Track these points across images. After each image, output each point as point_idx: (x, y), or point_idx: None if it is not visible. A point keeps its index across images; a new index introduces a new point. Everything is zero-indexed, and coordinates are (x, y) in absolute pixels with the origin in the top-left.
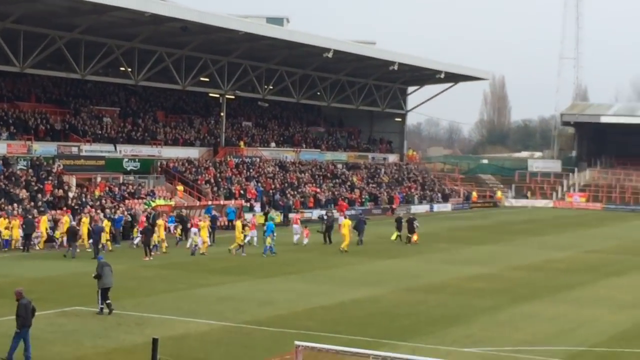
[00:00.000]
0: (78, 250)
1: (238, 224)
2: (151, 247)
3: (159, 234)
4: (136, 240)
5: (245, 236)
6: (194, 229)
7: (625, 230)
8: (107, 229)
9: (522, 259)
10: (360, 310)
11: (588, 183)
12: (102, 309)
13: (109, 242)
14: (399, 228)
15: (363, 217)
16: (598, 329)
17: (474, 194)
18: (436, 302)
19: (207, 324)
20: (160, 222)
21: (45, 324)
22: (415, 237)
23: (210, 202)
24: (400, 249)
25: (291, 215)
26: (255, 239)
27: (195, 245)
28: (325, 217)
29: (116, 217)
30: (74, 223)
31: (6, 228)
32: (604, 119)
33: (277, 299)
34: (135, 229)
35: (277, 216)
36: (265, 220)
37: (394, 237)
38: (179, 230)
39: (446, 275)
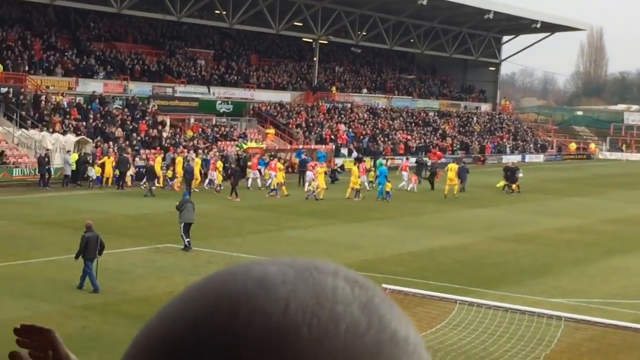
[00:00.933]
0: (154, 187)
1: (354, 169)
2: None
3: (278, 178)
4: (208, 183)
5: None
6: (309, 174)
7: None
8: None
9: (614, 212)
10: (448, 258)
11: None
12: (187, 244)
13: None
14: (507, 178)
15: (465, 166)
16: None
17: (573, 145)
18: (525, 252)
19: None
20: (279, 165)
21: (139, 259)
22: (514, 186)
23: (301, 146)
24: (491, 197)
25: (398, 162)
26: (366, 183)
27: (312, 191)
28: (429, 164)
29: (208, 157)
30: (151, 162)
31: (100, 165)
32: None
33: (366, 244)
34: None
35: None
36: (374, 166)
37: (500, 184)
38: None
39: (537, 226)
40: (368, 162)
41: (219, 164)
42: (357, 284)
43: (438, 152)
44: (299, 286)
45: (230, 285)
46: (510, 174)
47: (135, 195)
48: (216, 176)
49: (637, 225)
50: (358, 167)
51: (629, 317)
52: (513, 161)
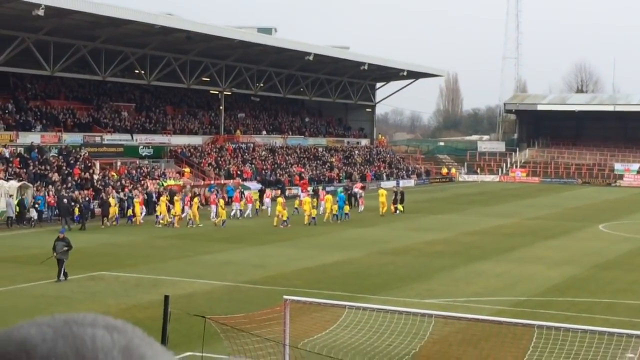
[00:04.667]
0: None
1: (280, 199)
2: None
3: (176, 210)
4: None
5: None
6: (213, 207)
7: (559, 199)
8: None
9: (474, 225)
10: (338, 271)
11: (528, 160)
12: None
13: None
14: (399, 201)
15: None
16: (536, 283)
17: (445, 169)
18: (402, 262)
19: (210, 284)
20: (176, 198)
21: (77, 285)
22: (400, 207)
23: (212, 181)
24: (372, 218)
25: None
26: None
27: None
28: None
29: (133, 195)
30: (65, 201)
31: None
32: (540, 107)
33: (269, 263)
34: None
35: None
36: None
37: (392, 208)
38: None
39: (410, 240)
40: (255, 194)
41: (140, 200)
42: (116, 329)
43: (359, 183)
44: (59, 342)
45: None
46: (401, 196)
47: (72, 230)
48: (144, 209)
49: (492, 235)
50: (317, 196)
51: (488, 311)
52: (400, 186)
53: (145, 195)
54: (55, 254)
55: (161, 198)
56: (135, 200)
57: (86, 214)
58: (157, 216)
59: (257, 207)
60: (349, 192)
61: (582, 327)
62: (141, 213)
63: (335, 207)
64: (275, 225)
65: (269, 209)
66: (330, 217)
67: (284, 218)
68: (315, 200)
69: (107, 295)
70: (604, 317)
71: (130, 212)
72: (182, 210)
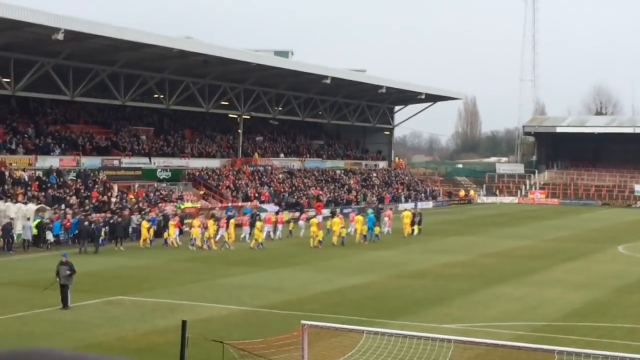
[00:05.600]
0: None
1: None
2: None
3: (210, 232)
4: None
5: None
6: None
7: (578, 221)
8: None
9: (492, 247)
10: (356, 294)
11: (547, 182)
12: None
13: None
14: (418, 222)
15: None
16: (556, 307)
17: (462, 191)
18: (420, 286)
19: (227, 308)
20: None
21: (94, 310)
22: (417, 228)
23: (230, 204)
24: (390, 241)
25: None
26: (271, 233)
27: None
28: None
29: (150, 217)
30: (86, 223)
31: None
32: (559, 129)
33: (287, 286)
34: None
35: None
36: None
37: (408, 231)
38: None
39: (428, 263)
40: (273, 215)
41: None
42: None
43: (320, 203)
44: None
45: None
46: (419, 218)
47: (88, 254)
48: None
49: (511, 257)
50: (345, 218)
51: (508, 336)
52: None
53: (162, 218)
54: (58, 279)
55: (194, 221)
56: (170, 222)
57: (120, 234)
58: (191, 239)
59: (291, 227)
60: (379, 212)
61: (603, 353)
62: (175, 235)
63: (365, 227)
64: (312, 245)
65: (303, 230)
66: (360, 238)
67: (320, 238)
68: (345, 221)
69: (124, 320)
70: (625, 342)
71: (166, 234)
72: (217, 232)
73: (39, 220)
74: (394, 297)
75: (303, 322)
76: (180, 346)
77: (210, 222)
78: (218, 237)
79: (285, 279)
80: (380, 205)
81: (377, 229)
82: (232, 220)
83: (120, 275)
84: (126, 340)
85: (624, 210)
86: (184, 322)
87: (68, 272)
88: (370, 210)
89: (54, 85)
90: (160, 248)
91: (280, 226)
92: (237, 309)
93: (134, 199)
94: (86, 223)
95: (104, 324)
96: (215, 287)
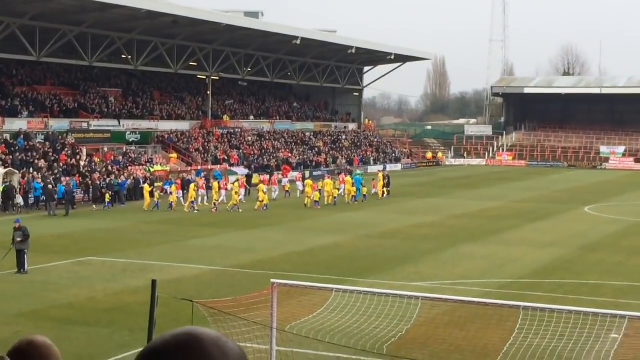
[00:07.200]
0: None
1: (308, 181)
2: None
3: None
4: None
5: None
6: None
7: (545, 182)
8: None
9: (461, 208)
10: (326, 254)
11: (514, 144)
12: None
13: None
14: (387, 184)
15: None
16: (523, 265)
17: (430, 153)
18: (389, 246)
19: (198, 268)
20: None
21: (64, 271)
22: (385, 191)
23: (199, 167)
24: (359, 203)
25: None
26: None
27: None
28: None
29: (120, 181)
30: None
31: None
32: (527, 90)
33: (258, 247)
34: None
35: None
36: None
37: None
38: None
39: (398, 224)
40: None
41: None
42: None
43: (288, 168)
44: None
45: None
46: (387, 180)
47: (58, 217)
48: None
49: (479, 218)
50: (336, 179)
51: (475, 293)
52: (386, 170)
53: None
54: (13, 245)
55: (191, 185)
56: (172, 186)
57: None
58: (192, 202)
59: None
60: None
61: (567, 308)
62: (177, 197)
63: (354, 189)
64: (308, 206)
65: (299, 190)
66: (350, 199)
67: (316, 199)
68: (336, 182)
69: (94, 280)
70: (590, 298)
71: (171, 198)
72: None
73: (7, 184)
74: (363, 256)
75: (273, 280)
76: (150, 305)
77: (192, 186)
78: (200, 200)
79: (257, 239)
80: (349, 168)
81: (364, 190)
82: (192, 185)
83: (90, 238)
84: (97, 300)
85: (590, 172)
86: (154, 282)
87: (20, 239)
88: (358, 172)
89: (21, 45)
90: (133, 211)
91: (275, 187)
92: (207, 268)
93: (101, 162)
94: (50, 186)
95: (75, 284)
96: (186, 248)
